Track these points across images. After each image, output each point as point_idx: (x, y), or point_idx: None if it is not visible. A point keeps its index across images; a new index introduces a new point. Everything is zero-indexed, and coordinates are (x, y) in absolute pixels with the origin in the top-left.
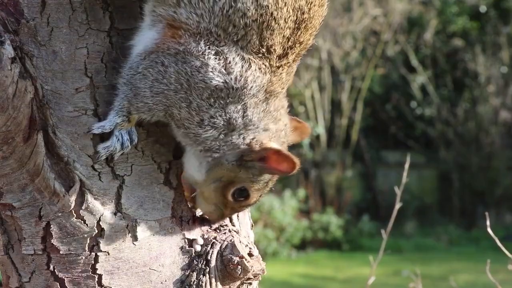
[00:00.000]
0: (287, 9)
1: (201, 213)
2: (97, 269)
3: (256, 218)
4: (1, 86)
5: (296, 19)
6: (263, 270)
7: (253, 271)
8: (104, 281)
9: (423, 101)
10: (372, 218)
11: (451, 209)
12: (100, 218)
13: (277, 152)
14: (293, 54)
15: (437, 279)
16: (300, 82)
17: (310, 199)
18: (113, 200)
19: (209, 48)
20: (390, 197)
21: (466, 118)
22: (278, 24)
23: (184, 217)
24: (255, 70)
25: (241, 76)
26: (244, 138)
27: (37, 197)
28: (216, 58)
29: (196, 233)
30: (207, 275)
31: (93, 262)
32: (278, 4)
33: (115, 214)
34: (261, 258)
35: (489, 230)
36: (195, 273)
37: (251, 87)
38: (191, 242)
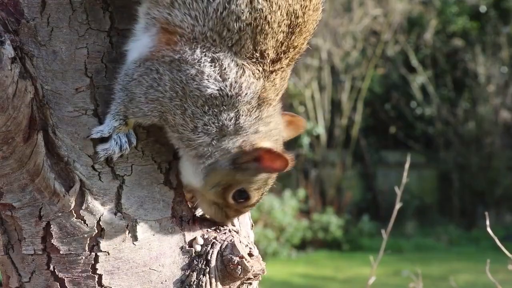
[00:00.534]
0: (281, 12)
1: (201, 213)
2: (97, 269)
3: (256, 218)
4: (1, 86)
5: (290, 23)
6: (263, 270)
7: (253, 271)
8: (104, 281)
9: (423, 101)
10: (372, 218)
11: (451, 209)
12: (100, 218)
13: (269, 151)
14: (286, 58)
15: (437, 279)
16: (300, 82)
17: (310, 199)
18: (113, 200)
19: (205, 55)
20: (390, 197)
21: (466, 118)
22: (272, 28)
23: (184, 217)
24: (249, 76)
25: (235, 82)
26: (234, 143)
27: (37, 197)
28: (211, 65)
29: (196, 233)
30: (207, 275)
31: (93, 262)
32: (272, 8)
33: (115, 214)
34: (261, 258)
35: (489, 230)
36: (195, 273)
37: (246, 93)
38: (191, 242)
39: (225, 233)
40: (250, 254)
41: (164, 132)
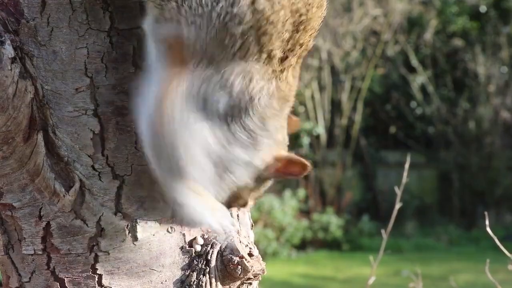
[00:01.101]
0: (284, 12)
1: None
2: (97, 269)
3: (256, 218)
4: (1, 86)
5: (294, 21)
6: (263, 270)
7: (253, 271)
8: (104, 281)
9: (423, 101)
10: (372, 218)
11: (451, 209)
12: (100, 218)
13: (290, 161)
14: (294, 56)
15: (437, 279)
16: (300, 82)
17: (310, 199)
18: (113, 200)
19: (206, 78)
20: (390, 197)
21: (466, 118)
22: (276, 28)
23: None
24: (258, 80)
25: (244, 90)
26: (262, 158)
27: (37, 197)
28: (216, 83)
29: (196, 233)
30: (207, 275)
31: (93, 262)
32: (274, 8)
33: (115, 214)
34: (261, 258)
35: (488, 230)
36: (195, 273)
37: (259, 98)
38: (191, 242)
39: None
40: (250, 254)
41: None
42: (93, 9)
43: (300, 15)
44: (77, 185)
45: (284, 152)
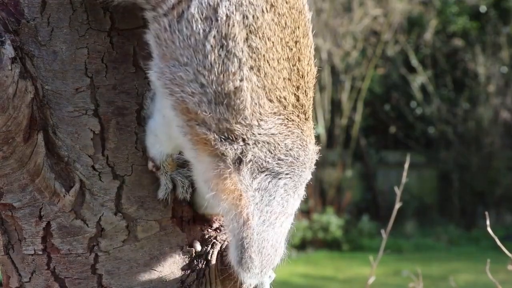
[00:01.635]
0: (276, 49)
1: (201, 213)
2: (97, 269)
3: None
4: (2, 86)
5: (287, 56)
6: None
7: None
8: (105, 281)
9: (423, 101)
10: (372, 218)
11: (451, 209)
12: (100, 218)
13: None
14: (303, 90)
15: (437, 279)
16: None
17: (310, 199)
18: (114, 200)
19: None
20: (390, 197)
21: (466, 118)
22: (273, 67)
23: (184, 217)
24: (288, 135)
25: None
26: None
27: (38, 197)
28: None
29: (196, 233)
30: (208, 275)
31: (93, 262)
32: (267, 45)
33: (115, 214)
34: None
35: (489, 229)
36: (195, 273)
37: (299, 154)
38: (191, 242)
39: (225, 233)
40: None
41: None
42: (94, 9)
43: (291, 49)
44: (77, 185)
45: None
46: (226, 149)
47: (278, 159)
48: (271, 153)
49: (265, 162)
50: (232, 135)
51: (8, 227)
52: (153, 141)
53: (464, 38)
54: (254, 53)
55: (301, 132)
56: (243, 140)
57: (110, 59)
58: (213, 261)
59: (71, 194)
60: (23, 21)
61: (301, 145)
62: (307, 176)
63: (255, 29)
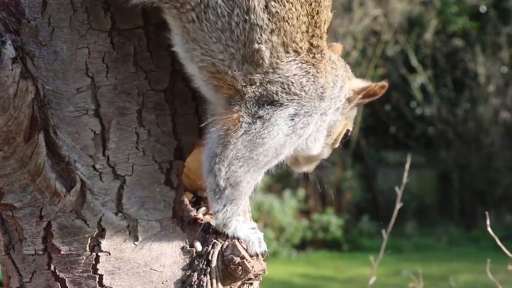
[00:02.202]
0: (295, 8)
1: (202, 213)
2: (98, 269)
3: (256, 218)
4: (2, 86)
5: (307, 12)
6: (263, 270)
7: (254, 271)
8: (105, 281)
9: (423, 101)
10: (372, 218)
11: (451, 209)
12: (101, 218)
13: (369, 89)
14: (318, 37)
15: (437, 279)
16: None
17: (310, 199)
18: (114, 200)
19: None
20: (390, 197)
21: (466, 118)
22: (293, 24)
23: (185, 217)
24: (303, 74)
25: (304, 87)
26: (340, 100)
27: (38, 197)
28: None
29: (197, 233)
30: (208, 275)
31: (94, 262)
32: (285, 7)
33: (116, 214)
34: (261, 258)
35: (489, 229)
36: (196, 273)
37: (309, 89)
38: (192, 242)
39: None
40: (251, 255)
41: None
42: (94, 9)
43: (310, 4)
44: (78, 185)
45: (357, 82)
46: (246, 90)
47: (294, 94)
48: (284, 89)
49: (276, 95)
50: (252, 80)
51: (9, 227)
52: None
53: (464, 38)
54: (275, 17)
55: (316, 71)
56: (260, 82)
57: (111, 59)
58: (214, 261)
59: (72, 194)
60: (24, 21)
61: (313, 82)
62: (318, 104)
63: None
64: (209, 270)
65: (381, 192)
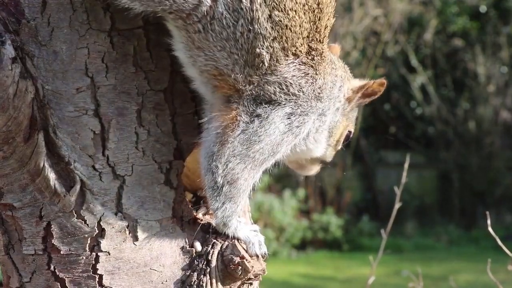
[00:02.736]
0: (298, 15)
1: (201, 213)
2: (97, 269)
3: (256, 218)
4: (2, 86)
5: (309, 19)
6: (263, 270)
7: (254, 271)
8: (105, 281)
9: (423, 101)
10: (372, 218)
11: (451, 209)
12: (100, 218)
13: (368, 87)
14: (320, 40)
15: (437, 279)
16: None
17: (310, 199)
18: (114, 200)
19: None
20: (390, 197)
21: (466, 118)
22: (295, 31)
23: (185, 217)
24: (300, 76)
25: (299, 88)
26: (339, 101)
27: (38, 197)
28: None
29: (196, 233)
30: (208, 275)
31: (93, 262)
32: (289, 15)
33: (115, 214)
34: (261, 258)
35: (490, 229)
36: (195, 273)
37: (316, 87)
38: (191, 242)
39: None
40: (251, 255)
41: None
42: (94, 9)
43: (313, 11)
44: (77, 185)
45: (355, 81)
46: (245, 89)
47: (292, 94)
48: (282, 89)
49: (274, 95)
50: (251, 81)
51: (9, 227)
52: None
53: (464, 38)
54: (277, 25)
55: (315, 72)
56: (258, 83)
57: (110, 59)
58: (214, 261)
59: (72, 194)
60: (23, 21)
61: (311, 83)
62: (315, 104)
63: (277, 5)
64: (208, 270)
65: (381, 192)
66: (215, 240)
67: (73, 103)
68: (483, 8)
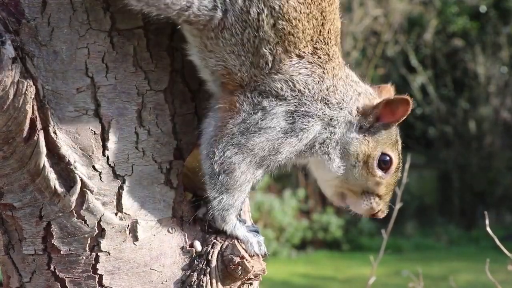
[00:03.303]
0: (302, 23)
1: (201, 213)
2: (97, 269)
3: (256, 218)
4: (2, 86)
5: (313, 25)
6: (263, 270)
7: (254, 271)
8: (105, 281)
9: (423, 101)
10: (372, 218)
11: (451, 209)
12: (100, 218)
13: (387, 102)
14: (324, 43)
15: (437, 279)
16: None
17: (310, 199)
18: (114, 200)
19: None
20: (390, 197)
21: (466, 118)
22: (298, 36)
23: (184, 217)
24: (302, 71)
25: (301, 86)
26: (350, 112)
27: (38, 197)
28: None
29: (196, 233)
30: (208, 275)
31: (93, 262)
32: (293, 23)
33: (115, 214)
34: (261, 258)
35: (488, 229)
36: (195, 273)
37: (315, 87)
38: (191, 242)
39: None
40: (250, 255)
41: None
42: (94, 9)
43: (316, 18)
44: (77, 185)
45: (374, 98)
46: (251, 85)
47: (298, 91)
48: (289, 86)
49: (281, 90)
50: (255, 80)
51: (9, 227)
52: None
53: (464, 38)
54: (281, 32)
55: (322, 71)
56: (263, 81)
57: (110, 59)
58: (214, 261)
59: (72, 194)
60: (23, 21)
61: (318, 82)
62: (321, 107)
63: (282, 15)
64: (208, 270)
65: None
66: (215, 240)
67: (73, 103)
68: (483, 8)
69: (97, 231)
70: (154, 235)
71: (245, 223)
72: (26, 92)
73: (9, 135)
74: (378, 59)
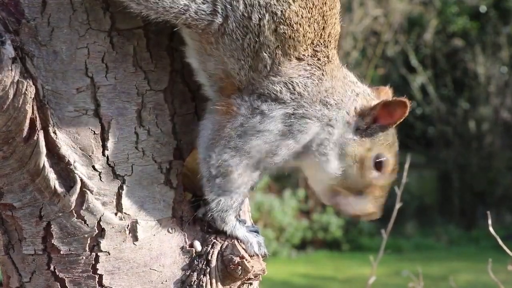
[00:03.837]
0: (303, 27)
1: (201, 213)
2: (97, 269)
3: (256, 218)
4: (2, 86)
5: (314, 29)
6: (263, 270)
7: (254, 271)
8: (105, 281)
9: (423, 101)
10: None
11: (451, 209)
12: (100, 218)
13: (385, 103)
14: (326, 45)
15: (437, 279)
16: None
17: (310, 199)
18: (114, 200)
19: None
20: (390, 197)
21: (466, 118)
22: (298, 40)
23: (184, 217)
24: (303, 74)
25: (296, 88)
26: (348, 113)
27: (38, 197)
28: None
29: (196, 233)
30: (208, 275)
31: (93, 262)
32: (293, 27)
33: (115, 214)
34: (261, 258)
35: (490, 229)
36: (195, 273)
37: (313, 88)
38: (191, 242)
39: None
40: (250, 255)
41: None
42: (94, 9)
43: (318, 22)
44: (77, 185)
45: (375, 100)
46: (249, 88)
47: (297, 93)
48: (288, 89)
49: (280, 93)
50: (253, 83)
51: (8, 227)
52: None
53: (464, 38)
54: (282, 36)
55: (321, 73)
56: (261, 84)
57: (110, 59)
58: (214, 261)
59: (72, 194)
60: (23, 21)
61: (317, 84)
62: (320, 109)
63: (283, 20)
64: (208, 270)
65: None
66: (215, 240)
67: (73, 103)
68: (483, 8)
69: (97, 231)
70: (154, 235)
71: (245, 223)
72: (26, 92)
73: (9, 135)
74: (378, 59)
